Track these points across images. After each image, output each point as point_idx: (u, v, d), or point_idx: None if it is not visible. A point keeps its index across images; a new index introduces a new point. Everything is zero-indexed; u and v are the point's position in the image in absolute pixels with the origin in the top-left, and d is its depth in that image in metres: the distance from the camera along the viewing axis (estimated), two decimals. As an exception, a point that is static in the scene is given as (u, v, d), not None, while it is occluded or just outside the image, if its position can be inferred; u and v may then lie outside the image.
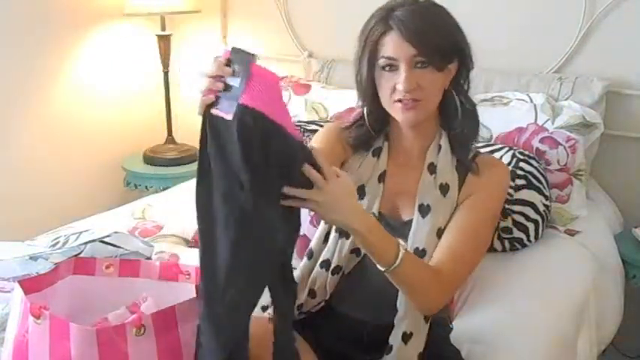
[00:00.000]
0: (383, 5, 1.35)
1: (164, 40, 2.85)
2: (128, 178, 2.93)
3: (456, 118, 1.38)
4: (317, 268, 1.42)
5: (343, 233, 1.39)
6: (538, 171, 1.99)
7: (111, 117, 2.98)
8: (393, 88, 1.31)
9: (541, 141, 2.08)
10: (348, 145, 1.45)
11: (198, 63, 3.06)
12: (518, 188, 1.93)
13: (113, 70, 2.96)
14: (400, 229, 1.36)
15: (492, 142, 2.12)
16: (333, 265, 1.40)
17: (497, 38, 2.43)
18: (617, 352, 2.29)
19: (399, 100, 1.31)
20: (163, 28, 2.84)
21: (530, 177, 1.96)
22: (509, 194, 1.92)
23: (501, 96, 2.26)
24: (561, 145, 2.07)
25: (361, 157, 1.43)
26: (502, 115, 2.18)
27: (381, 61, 1.31)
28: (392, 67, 1.30)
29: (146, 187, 2.87)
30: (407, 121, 1.35)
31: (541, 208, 1.96)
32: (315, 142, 1.47)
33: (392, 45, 1.29)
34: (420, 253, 1.33)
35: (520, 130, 2.11)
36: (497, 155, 1.99)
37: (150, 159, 2.93)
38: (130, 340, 1.03)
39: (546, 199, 1.99)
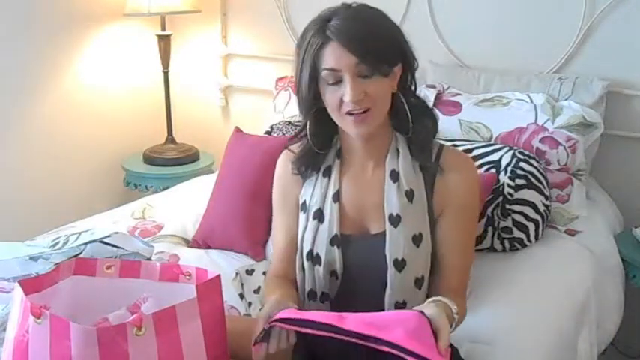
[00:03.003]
0: (316, 17, 1.32)
1: (164, 40, 2.85)
2: (128, 178, 2.93)
3: (406, 121, 1.35)
4: (306, 301, 1.41)
5: (315, 260, 1.37)
6: (538, 171, 1.99)
7: (111, 117, 2.98)
8: (340, 101, 1.28)
9: (541, 141, 2.08)
10: (299, 172, 1.42)
11: (198, 63, 3.07)
12: (518, 188, 1.93)
13: (113, 70, 2.96)
14: (370, 243, 1.35)
15: (492, 142, 2.13)
16: (318, 294, 1.39)
17: (497, 38, 2.43)
18: (617, 352, 2.30)
19: (349, 113, 1.28)
20: (163, 28, 2.84)
21: (530, 177, 1.96)
22: (509, 194, 1.92)
23: (501, 96, 2.26)
24: (561, 145, 2.07)
25: (312, 181, 1.41)
26: (502, 115, 2.18)
27: (324, 74, 1.27)
28: (335, 79, 1.27)
29: (146, 187, 2.87)
30: (360, 134, 1.32)
31: (541, 208, 1.96)
32: (278, 173, 1.47)
33: (333, 56, 1.25)
34: (401, 263, 1.32)
35: (520, 130, 2.11)
36: (497, 155, 1.99)
37: (150, 159, 2.93)
38: (131, 340, 1.03)
39: (546, 199, 1.99)
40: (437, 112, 1.62)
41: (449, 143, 1.61)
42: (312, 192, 1.40)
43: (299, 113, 1.38)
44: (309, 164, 1.41)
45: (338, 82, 1.27)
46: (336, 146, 1.41)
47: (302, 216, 1.41)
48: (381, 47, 1.27)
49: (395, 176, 1.35)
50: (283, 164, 1.48)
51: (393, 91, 1.33)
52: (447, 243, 1.35)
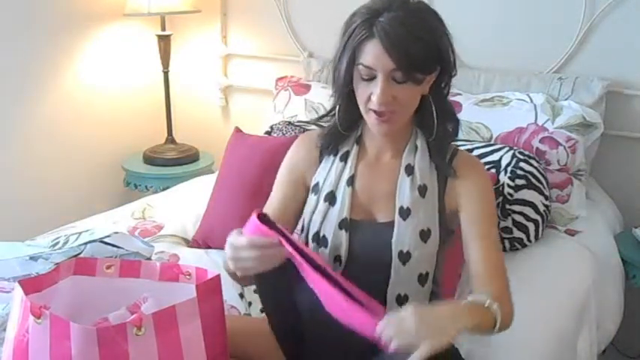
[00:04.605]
0: (369, 3, 1.30)
1: (164, 40, 2.85)
2: (128, 178, 2.93)
3: (432, 123, 1.36)
4: None
5: (321, 242, 1.38)
6: (538, 171, 1.99)
7: (111, 117, 2.98)
8: (369, 97, 1.29)
9: (541, 141, 2.08)
10: (319, 149, 1.44)
11: (198, 63, 3.07)
12: (518, 188, 1.93)
13: (113, 70, 2.96)
14: (377, 230, 1.35)
15: (492, 142, 2.13)
16: None
17: (497, 38, 2.43)
18: (617, 352, 2.30)
19: (374, 110, 1.30)
20: (163, 28, 2.84)
21: (530, 177, 1.96)
22: (509, 194, 1.92)
23: (501, 96, 2.26)
24: (561, 145, 2.07)
25: (329, 164, 1.42)
26: (502, 115, 2.18)
27: (360, 67, 1.28)
28: (369, 75, 1.28)
29: (146, 187, 2.87)
30: (380, 132, 1.34)
31: (541, 208, 1.96)
32: (293, 150, 1.47)
33: (372, 54, 1.26)
34: (405, 256, 1.32)
35: (520, 130, 2.11)
36: (497, 155, 1.99)
37: (150, 159, 2.93)
38: (131, 340, 1.04)
39: (546, 199, 1.99)
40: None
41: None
42: (327, 175, 1.41)
43: (332, 93, 1.40)
44: (331, 143, 1.43)
45: (371, 78, 1.28)
46: (356, 132, 1.43)
47: (312, 197, 1.41)
48: (422, 58, 1.26)
49: (410, 170, 1.36)
50: (304, 140, 1.49)
51: (424, 94, 1.33)
52: (478, 259, 1.33)
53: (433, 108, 1.35)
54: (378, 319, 1.13)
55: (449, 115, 1.39)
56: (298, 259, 1.18)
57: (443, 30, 1.31)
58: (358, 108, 1.35)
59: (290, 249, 1.18)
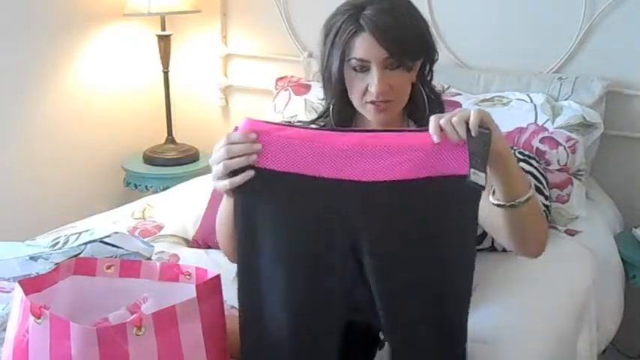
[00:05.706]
0: (349, 1, 1.33)
1: (164, 40, 2.85)
2: (128, 178, 2.93)
3: (423, 110, 1.40)
4: None
5: None
6: (538, 171, 1.99)
7: (111, 117, 2.98)
8: (365, 89, 1.32)
9: (541, 141, 2.08)
10: None
11: (198, 63, 3.07)
12: (518, 188, 1.93)
13: (113, 70, 2.96)
14: None
15: (492, 142, 2.12)
16: None
17: (497, 38, 2.43)
18: (617, 352, 2.30)
19: (371, 102, 1.32)
20: (163, 28, 2.84)
21: (530, 177, 1.96)
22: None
23: (501, 96, 2.26)
24: (561, 145, 2.07)
25: None
26: (502, 115, 2.17)
27: (353, 62, 1.31)
28: (362, 68, 1.31)
29: (146, 187, 2.87)
30: (379, 122, 1.37)
31: (541, 208, 1.96)
32: None
33: (364, 47, 1.29)
34: None
35: (520, 130, 2.11)
36: (497, 155, 1.99)
37: (150, 159, 2.93)
38: (131, 340, 1.04)
39: (546, 199, 1.99)
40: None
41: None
42: None
43: (324, 93, 1.42)
44: None
45: (364, 70, 1.31)
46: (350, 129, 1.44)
47: None
48: (411, 44, 1.30)
49: None
50: None
51: (412, 82, 1.37)
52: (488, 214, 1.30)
53: (424, 93, 1.39)
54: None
55: (436, 100, 1.43)
56: (307, 135, 1.12)
57: (422, 18, 1.36)
58: (351, 106, 1.37)
59: (289, 132, 1.12)
